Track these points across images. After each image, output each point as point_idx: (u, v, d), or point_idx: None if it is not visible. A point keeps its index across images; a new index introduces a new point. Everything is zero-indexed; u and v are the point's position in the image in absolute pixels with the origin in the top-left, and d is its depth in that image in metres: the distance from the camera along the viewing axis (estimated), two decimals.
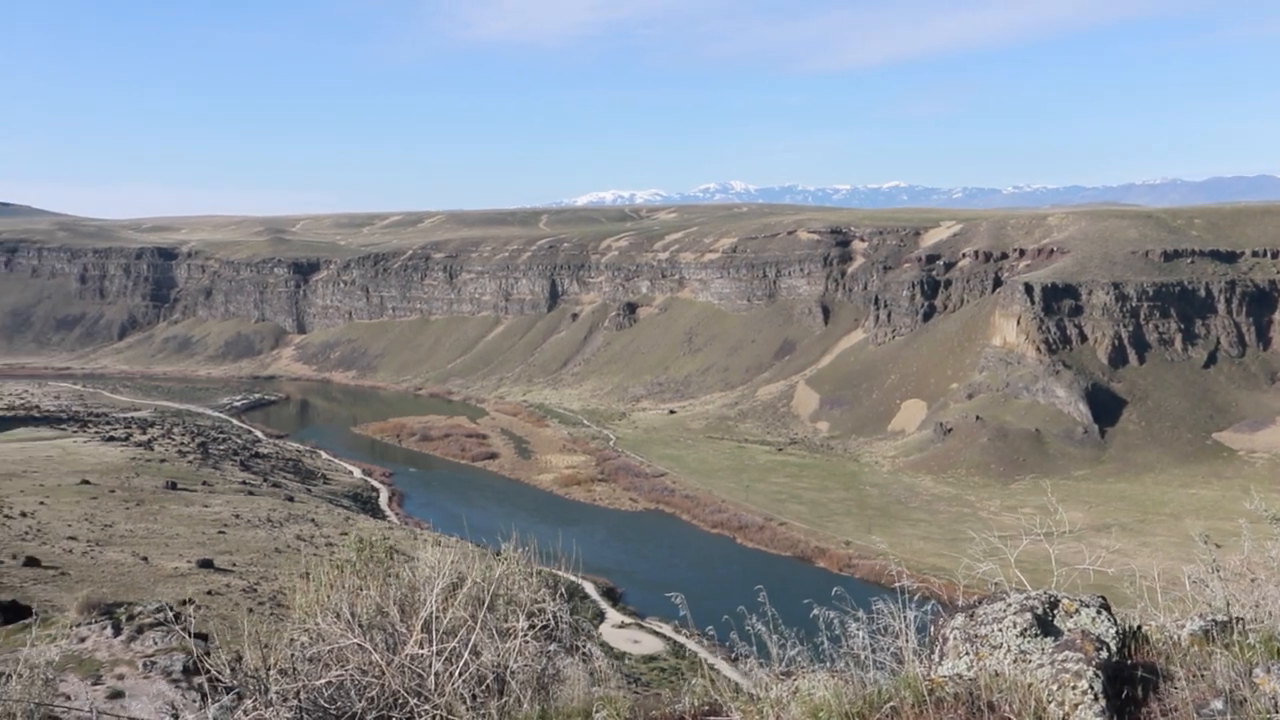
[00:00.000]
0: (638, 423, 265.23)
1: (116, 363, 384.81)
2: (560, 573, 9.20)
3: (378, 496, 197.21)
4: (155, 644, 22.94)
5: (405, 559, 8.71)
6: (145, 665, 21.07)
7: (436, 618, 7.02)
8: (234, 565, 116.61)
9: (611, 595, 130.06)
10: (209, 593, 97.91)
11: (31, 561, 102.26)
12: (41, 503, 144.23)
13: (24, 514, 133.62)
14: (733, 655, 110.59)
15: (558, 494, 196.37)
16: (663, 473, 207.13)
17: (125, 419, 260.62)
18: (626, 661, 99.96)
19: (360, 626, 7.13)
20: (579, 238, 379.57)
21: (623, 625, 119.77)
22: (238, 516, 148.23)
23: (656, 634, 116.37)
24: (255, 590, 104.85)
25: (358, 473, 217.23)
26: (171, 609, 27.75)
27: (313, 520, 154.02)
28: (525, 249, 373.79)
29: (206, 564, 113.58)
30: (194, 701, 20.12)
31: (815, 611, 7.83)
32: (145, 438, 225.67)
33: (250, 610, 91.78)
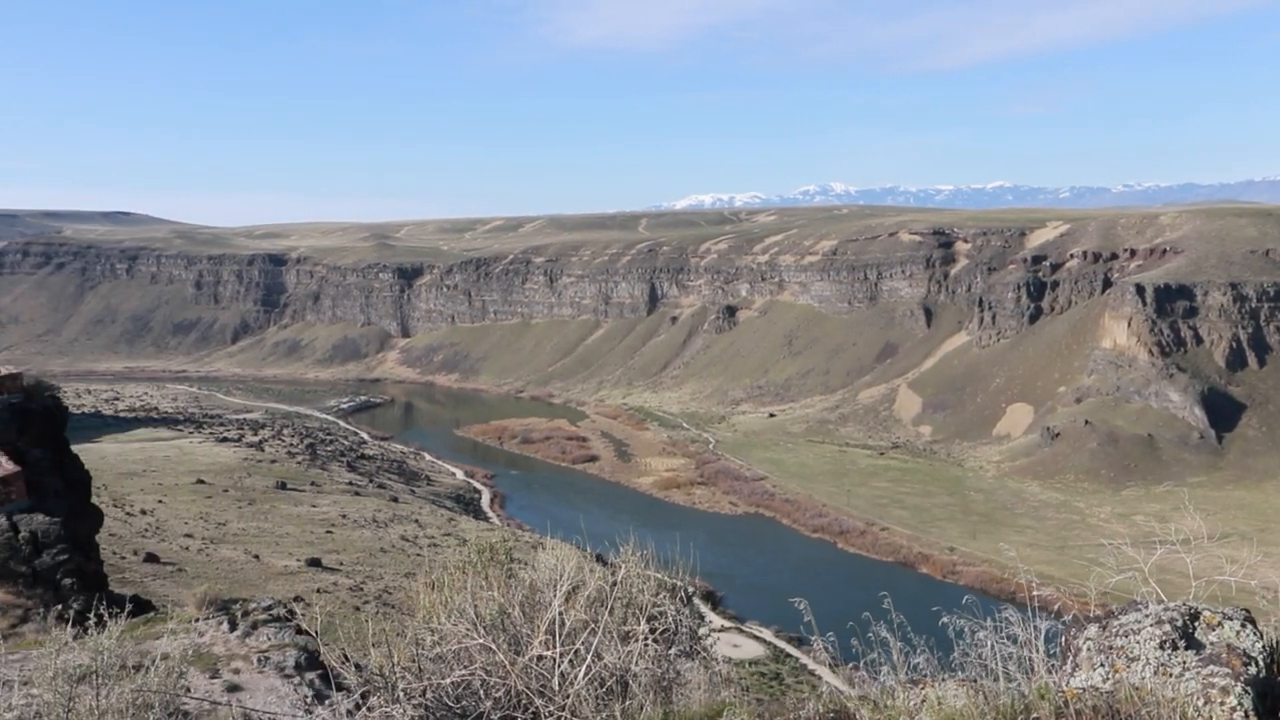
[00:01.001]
0: (737, 426, 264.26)
1: (229, 366, 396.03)
2: (671, 579, 9.14)
3: (480, 498, 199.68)
4: (269, 640, 23.38)
5: (520, 562, 8.74)
6: (260, 660, 21.51)
7: (560, 620, 7.04)
8: (341, 564, 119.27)
9: (711, 599, 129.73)
10: (317, 590, 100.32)
11: (151, 558, 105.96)
12: (160, 501, 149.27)
13: (144, 512, 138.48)
14: (835, 662, 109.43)
15: (657, 497, 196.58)
16: (763, 476, 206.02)
17: (238, 420, 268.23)
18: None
19: (484, 627, 7.18)
20: (678, 241, 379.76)
21: (722, 629, 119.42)
22: (344, 516, 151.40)
23: (756, 638, 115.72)
24: (361, 589, 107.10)
25: (460, 474, 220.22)
26: (284, 606, 28.26)
27: (416, 521, 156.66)
28: (625, 253, 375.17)
29: (315, 563, 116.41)
30: (306, 697, 20.52)
31: (944, 619, 7.63)
32: (256, 439, 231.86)
33: (356, 609, 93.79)
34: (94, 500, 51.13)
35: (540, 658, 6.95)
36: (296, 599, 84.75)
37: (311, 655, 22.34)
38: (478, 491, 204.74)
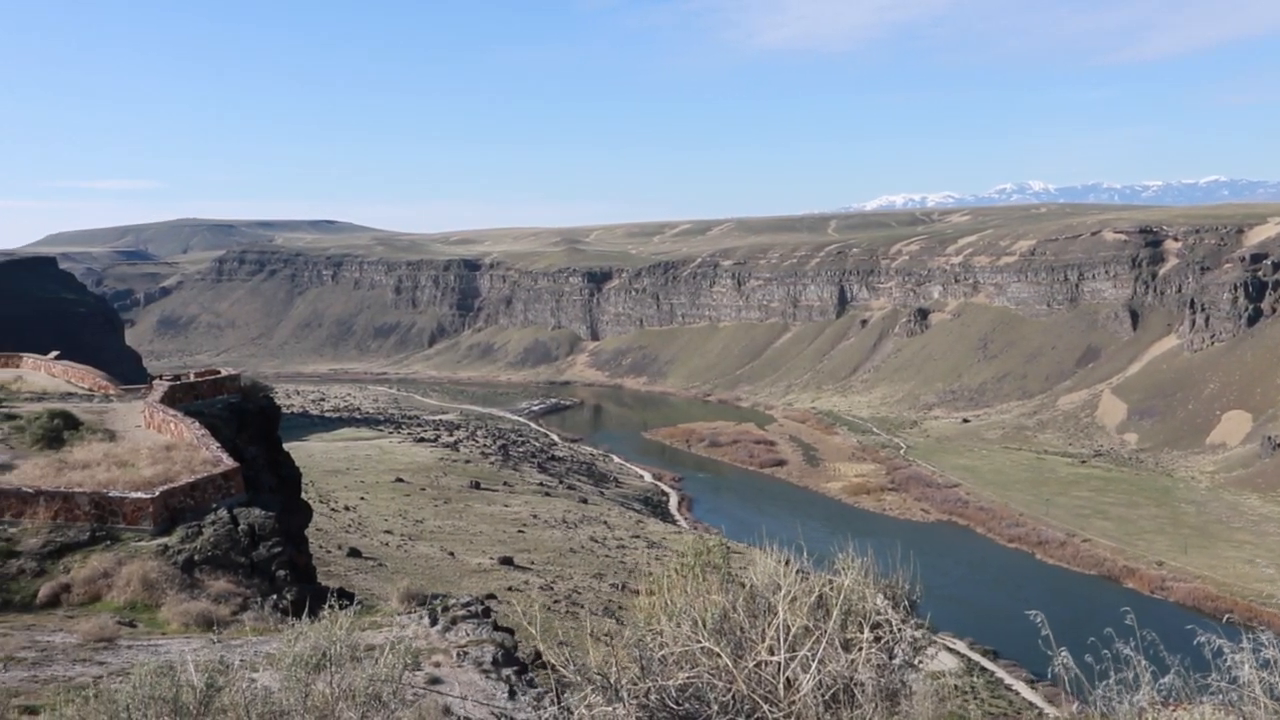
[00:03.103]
0: (929, 431, 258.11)
1: (426, 368, 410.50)
2: (892, 587, 8.78)
3: (667, 501, 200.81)
4: (467, 635, 23.85)
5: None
6: (459, 655, 21.95)
7: (785, 626, 6.80)
8: (532, 563, 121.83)
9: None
10: (509, 588, 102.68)
11: (354, 552, 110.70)
12: (362, 498, 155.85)
13: (347, 508, 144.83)
14: (1034, 678, 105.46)
15: (847, 503, 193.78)
16: (956, 483, 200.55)
17: (434, 421, 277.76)
18: None
19: (707, 631, 7.01)
20: (868, 243, 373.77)
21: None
22: (535, 516, 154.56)
23: (950, 650, 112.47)
24: (552, 588, 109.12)
25: (648, 477, 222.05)
26: (481, 603, 28.87)
27: (605, 522, 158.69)
28: (813, 255, 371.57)
29: (507, 561, 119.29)
30: (503, 693, 20.81)
31: (1200, 638, 7.02)
32: (452, 439, 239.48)
33: (547, 607, 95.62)
34: (303, 496, 53.68)
35: (764, 663, 6.74)
36: (489, 596, 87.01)
37: (508, 652, 22.70)
38: (665, 494, 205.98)
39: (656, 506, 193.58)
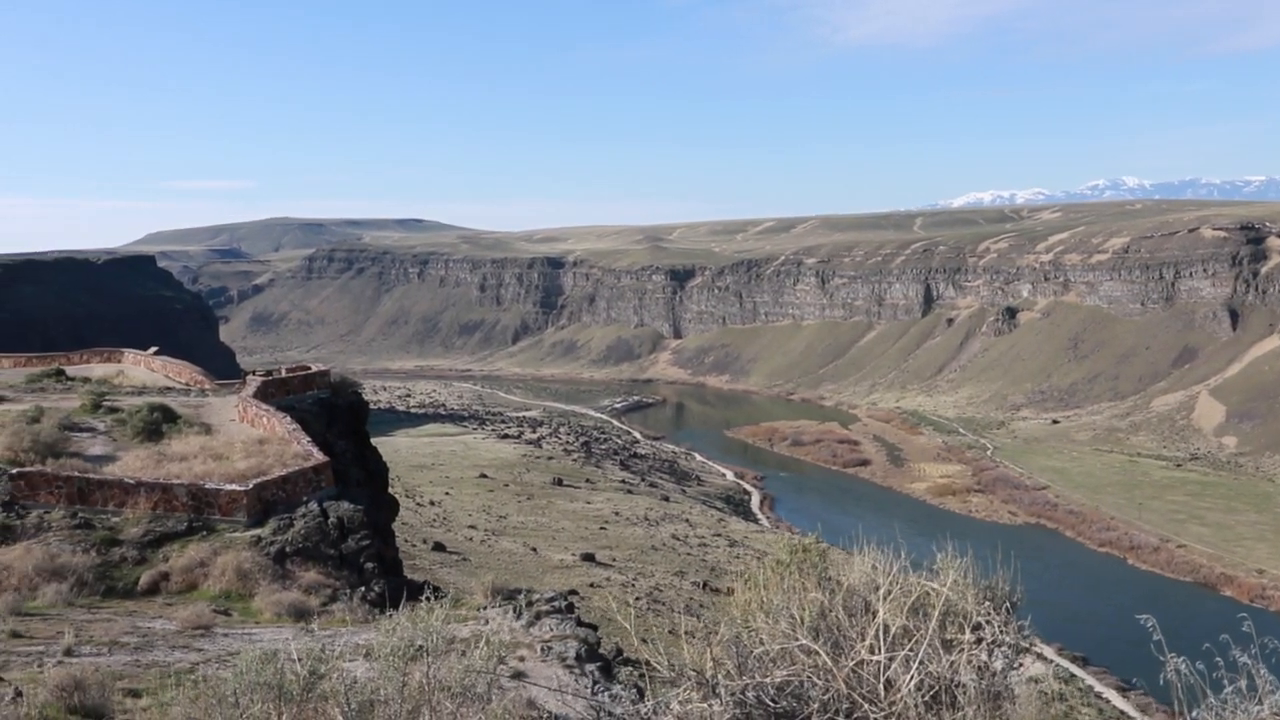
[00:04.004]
0: (1017, 432, 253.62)
1: (510, 365, 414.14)
2: (992, 588, 8.60)
3: (749, 499, 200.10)
4: (551, 630, 24.01)
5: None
6: (543, 650, 22.10)
7: (884, 625, 6.69)
8: (613, 560, 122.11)
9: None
10: (590, 585, 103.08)
11: (439, 546, 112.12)
12: (447, 493, 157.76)
13: (432, 503, 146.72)
14: (1125, 686, 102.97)
15: (931, 504, 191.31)
16: (1044, 486, 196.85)
17: (517, 418, 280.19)
18: None
19: (805, 628, 6.93)
20: (954, 240, 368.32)
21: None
22: (617, 514, 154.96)
23: (1038, 655, 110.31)
24: (633, 585, 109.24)
25: (730, 475, 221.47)
26: (565, 598, 29.07)
27: (687, 520, 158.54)
28: (898, 253, 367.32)
29: (589, 558, 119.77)
30: (587, 688, 20.90)
31: None
32: (535, 436, 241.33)
33: (627, 604, 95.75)
34: (390, 490, 54.51)
35: (864, 662, 6.64)
36: (571, 592, 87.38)
37: (591, 647, 22.78)
38: (747, 493, 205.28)
39: (738, 505, 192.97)
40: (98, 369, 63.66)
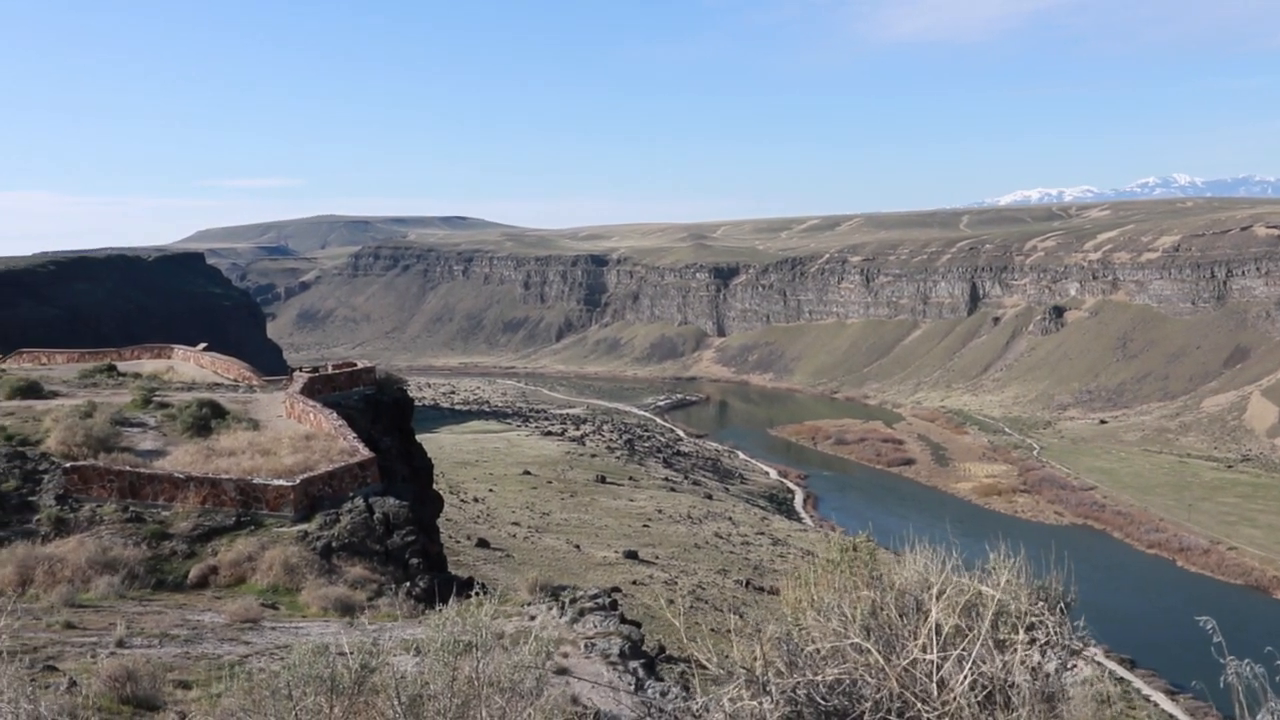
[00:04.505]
0: (1064, 432, 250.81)
1: (554, 363, 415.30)
2: (1045, 588, 8.49)
3: (792, 498, 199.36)
4: (594, 627, 24.06)
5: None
6: (586, 646, 22.16)
7: (937, 624, 6.62)
8: (656, 558, 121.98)
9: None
10: (633, 582, 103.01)
11: (482, 543, 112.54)
12: (490, 490, 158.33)
13: (476, 499, 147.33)
14: (1174, 689, 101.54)
15: (977, 503, 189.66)
16: (1091, 486, 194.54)
17: (561, 415, 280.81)
18: None
19: (857, 626, 6.88)
20: (1001, 239, 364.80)
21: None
22: (660, 511, 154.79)
23: (1089, 659, 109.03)
24: (675, 583, 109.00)
25: (773, 474, 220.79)
26: (608, 595, 29.17)
27: (730, 519, 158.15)
28: (944, 251, 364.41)
29: (631, 555, 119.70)
30: (630, 684, 20.92)
31: None
32: (578, 433, 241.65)
33: (670, 602, 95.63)
34: (434, 487, 54.82)
35: (916, 661, 6.57)
36: (614, 589, 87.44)
37: (635, 644, 22.78)
38: (790, 491, 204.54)
39: (782, 503, 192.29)
40: (148, 365, 64.50)
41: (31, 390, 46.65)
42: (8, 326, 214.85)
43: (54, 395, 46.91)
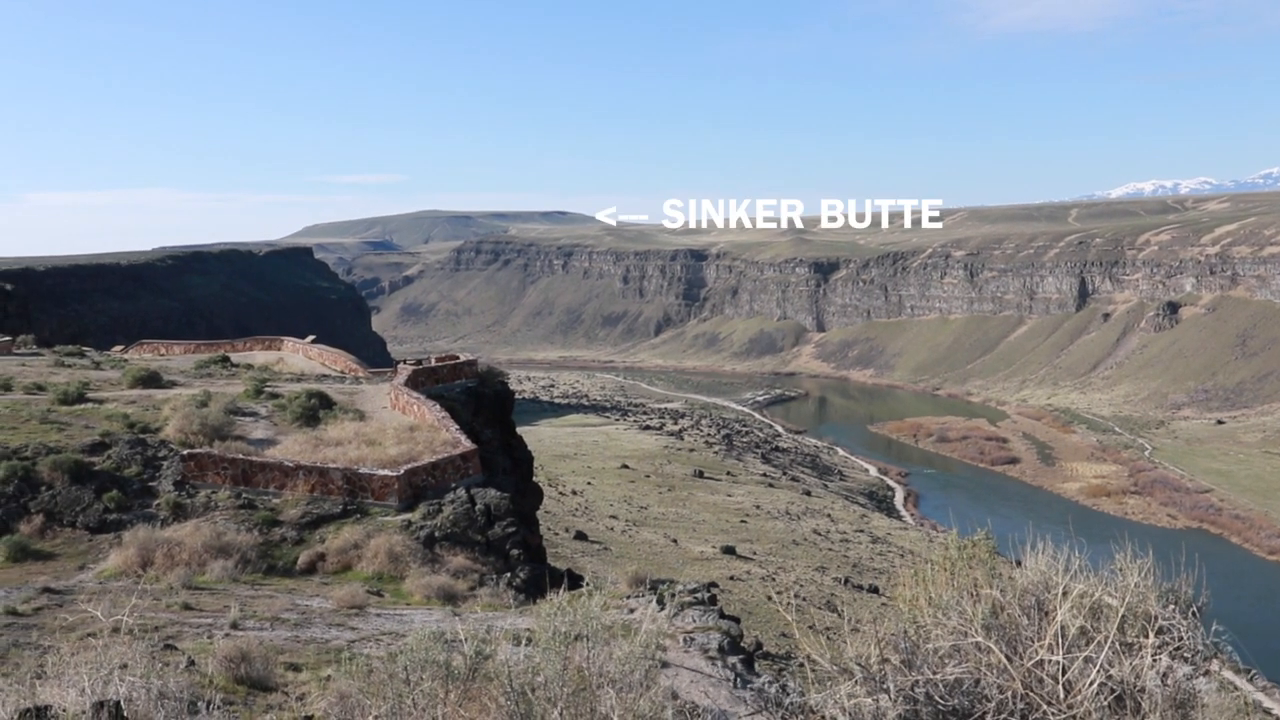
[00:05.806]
0: (1177, 433, 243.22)
1: (652, 357, 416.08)
2: (1175, 591, 8.17)
3: (893, 496, 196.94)
4: (694, 621, 23.95)
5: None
6: (685, 641, 22.06)
7: (1063, 625, 6.40)
8: (754, 553, 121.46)
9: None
10: (731, 578, 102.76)
11: (580, 536, 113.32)
12: (589, 483, 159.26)
13: (574, 492, 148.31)
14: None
15: (1084, 504, 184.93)
16: (1207, 489, 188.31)
17: (659, 409, 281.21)
18: None
19: (978, 625, 6.68)
20: (1112, 232, 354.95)
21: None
22: (758, 507, 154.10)
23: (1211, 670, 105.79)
24: (773, 579, 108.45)
25: (873, 471, 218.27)
26: (708, 590, 29.04)
27: (829, 515, 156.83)
28: (1051, 245, 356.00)
29: (729, 550, 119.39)
30: (730, 680, 20.81)
31: None
32: (676, 428, 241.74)
33: (769, 598, 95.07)
34: (534, 479, 55.31)
35: (1041, 663, 6.36)
36: (712, 584, 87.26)
37: (734, 640, 22.65)
38: (891, 489, 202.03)
39: (881, 501, 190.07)
40: (259, 356, 66.29)
41: (152, 380, 48.36)
42: (129, 318, 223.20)
43: (172, 385, 48.49)
